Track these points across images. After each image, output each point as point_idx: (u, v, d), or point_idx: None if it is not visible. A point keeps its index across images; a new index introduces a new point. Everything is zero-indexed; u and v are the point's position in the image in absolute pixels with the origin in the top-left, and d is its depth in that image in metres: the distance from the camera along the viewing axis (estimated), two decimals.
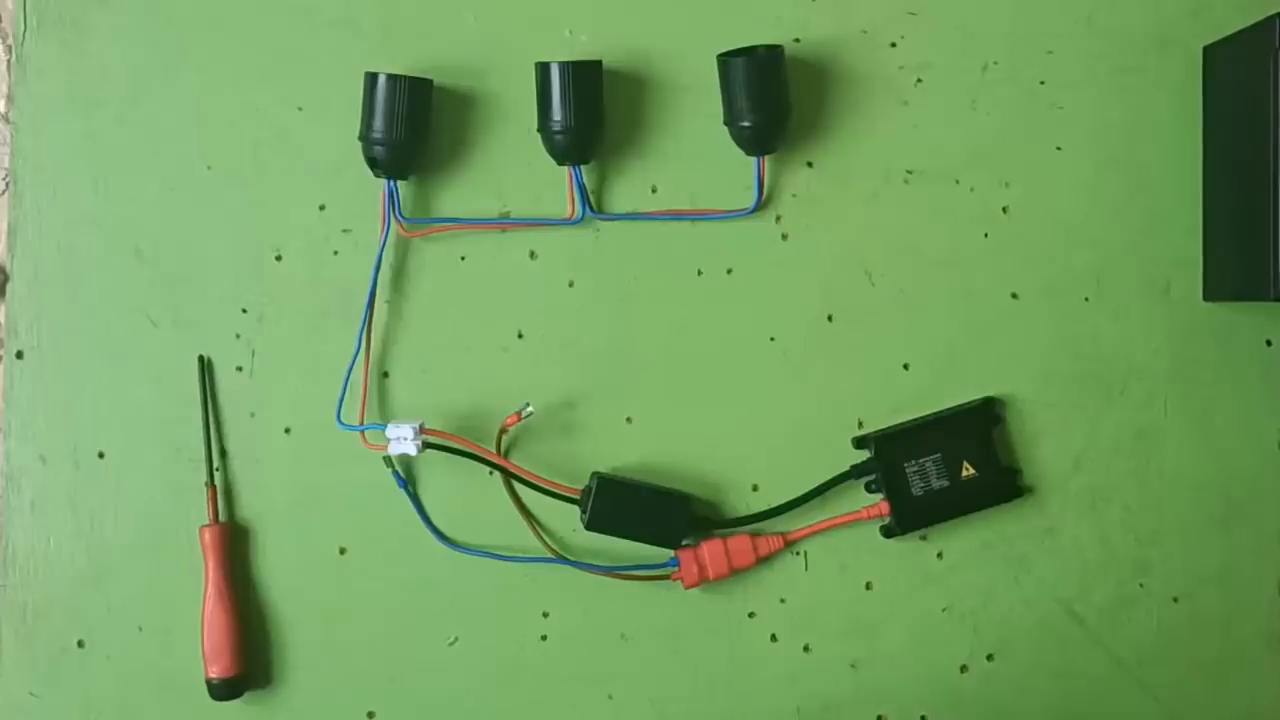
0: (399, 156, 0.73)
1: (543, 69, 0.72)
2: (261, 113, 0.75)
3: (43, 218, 0.76)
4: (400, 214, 0.74)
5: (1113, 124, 0.77)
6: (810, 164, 0.76)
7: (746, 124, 0.73)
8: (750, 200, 0.75)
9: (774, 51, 0.73)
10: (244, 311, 0.76)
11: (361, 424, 0.74)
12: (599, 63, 0.74)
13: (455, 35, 0.76)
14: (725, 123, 0.74)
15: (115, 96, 0.76)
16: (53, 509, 0.75)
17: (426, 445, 0.71)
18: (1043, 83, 0.77)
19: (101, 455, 0.75)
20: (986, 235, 0.77)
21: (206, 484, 0.75)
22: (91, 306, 0.76)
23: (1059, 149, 0.77)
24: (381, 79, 0.72)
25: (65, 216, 0.76)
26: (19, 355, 0.75)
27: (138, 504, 0.75)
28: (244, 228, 0.76)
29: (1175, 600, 0.77)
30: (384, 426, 0.71)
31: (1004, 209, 0.77)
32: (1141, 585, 0.77)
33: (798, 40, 0.76)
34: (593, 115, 0.73)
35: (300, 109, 0.76)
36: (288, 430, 0.75)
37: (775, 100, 0.73)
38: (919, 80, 0.77)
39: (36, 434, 0.75)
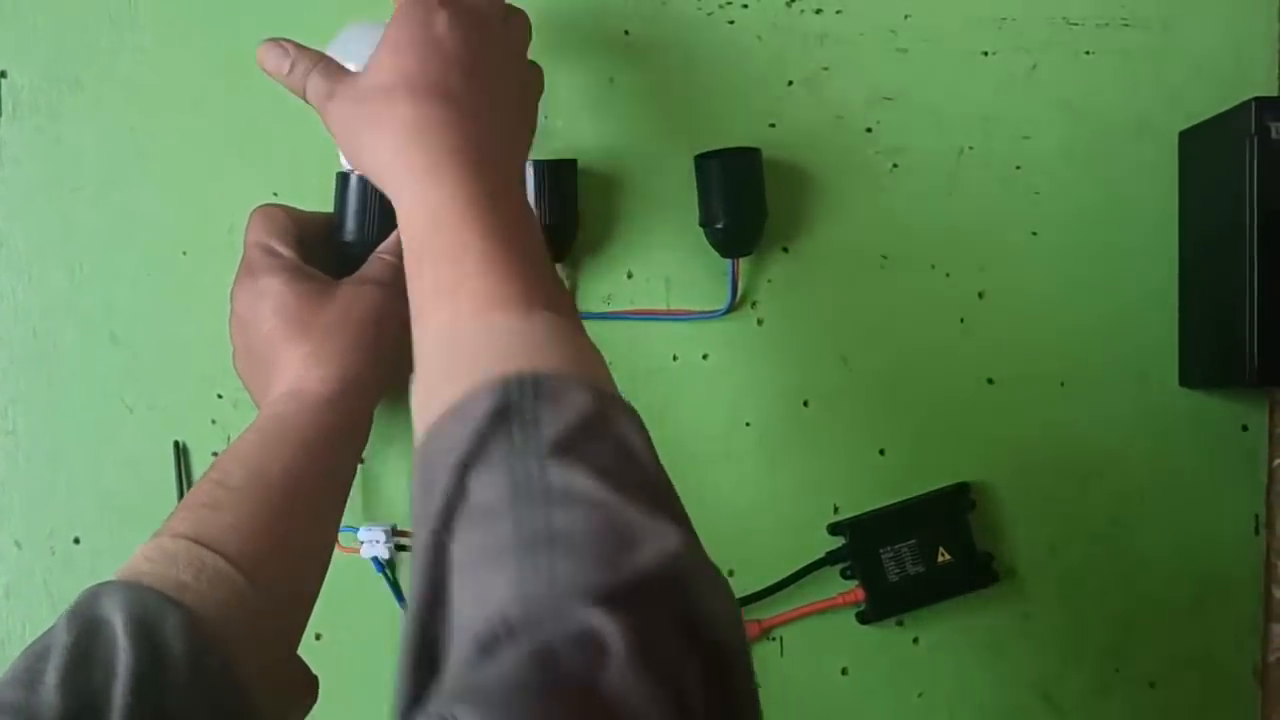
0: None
1: None
2: (236, 197, 0.74)
3: (18, 302, 0.76)
4: None
5: (1089, 209, 0.77)
6: (786, 249, 0.76)
7: (721, 226, 0.72)
8: (724, 295, 0.75)
9: (750, 153, 0.73)
10: (219, 397, 0.76)
11: None
12: (574, 162, 0.74)
13: None
14: (701, 224, 0.74)
15: (90, 182, 0.76)
16: (28, 595, 0.75)
17: (400, 549, 0.71)
18: (1018, 167, 0.77)
19: (77, 541, 0.75)
20: (962, 320, 0.77)
21: None
22: (67, 391, 0.76)
23: (1035, 234, 0.77)
24: (353, 179, 0.71)
25: (41, 301, 0.76)
26: None
27: None
28: (219, 313, 0.74)
29: (1151, 685, 0.77)
30: (356, 530, 0.71)
31: (980, 294, 0.77)
32: (1117, 670, 0.77)
33: (773, 125, 0.76)
34: (568, 213, 0.73)
35: (275, 194, 0.75)
36: None
37: (750, 203, 0.73)
38: (895, 165, 0.76)
39: (11, 519, 0.75)
